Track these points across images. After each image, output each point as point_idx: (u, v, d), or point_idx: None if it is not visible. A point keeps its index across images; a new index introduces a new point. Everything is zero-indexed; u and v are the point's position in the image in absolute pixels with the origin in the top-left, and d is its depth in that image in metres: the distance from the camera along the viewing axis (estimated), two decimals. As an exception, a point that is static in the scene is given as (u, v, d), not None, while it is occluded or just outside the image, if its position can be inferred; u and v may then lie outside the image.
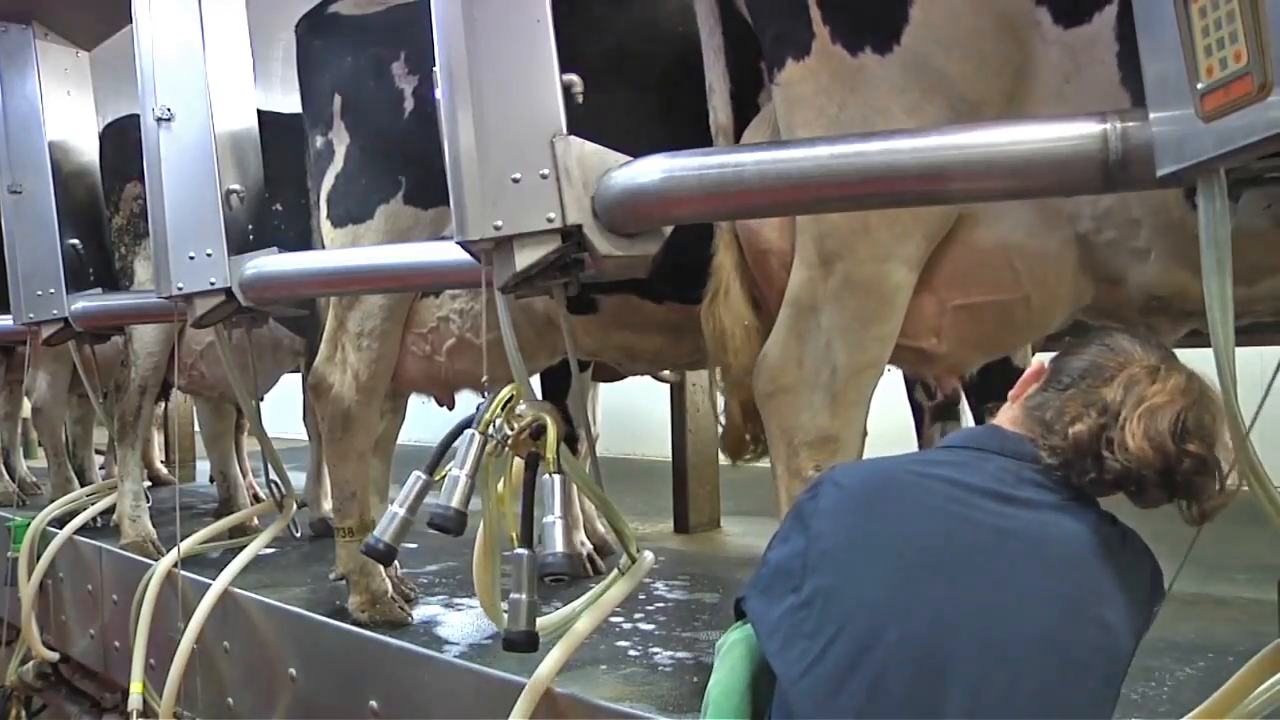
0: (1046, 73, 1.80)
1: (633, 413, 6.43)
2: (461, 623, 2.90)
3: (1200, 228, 1.34)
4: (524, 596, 2.03)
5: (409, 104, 2.88)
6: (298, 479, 4.05)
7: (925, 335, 2.02)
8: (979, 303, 1.99)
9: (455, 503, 2.05)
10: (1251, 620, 2.59)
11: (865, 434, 2.13)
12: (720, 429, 2.31)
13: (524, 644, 2.04)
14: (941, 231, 1.93)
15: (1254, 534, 1.77)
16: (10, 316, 4.23)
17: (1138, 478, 1.29)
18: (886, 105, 1.86)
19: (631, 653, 2.58)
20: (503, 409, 2.12)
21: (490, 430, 2.10)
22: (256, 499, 5.09)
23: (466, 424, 2.12)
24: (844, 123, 1.89)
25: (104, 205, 4.39)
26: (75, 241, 4.10)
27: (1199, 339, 1.48)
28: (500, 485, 2.15)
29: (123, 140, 4.25)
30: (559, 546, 1.98)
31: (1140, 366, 1.36)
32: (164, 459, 7.09)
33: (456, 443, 2.10)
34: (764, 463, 2.02)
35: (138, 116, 4.06)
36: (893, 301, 1.95)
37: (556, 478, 2.04)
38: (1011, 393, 1.47)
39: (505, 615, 2.07)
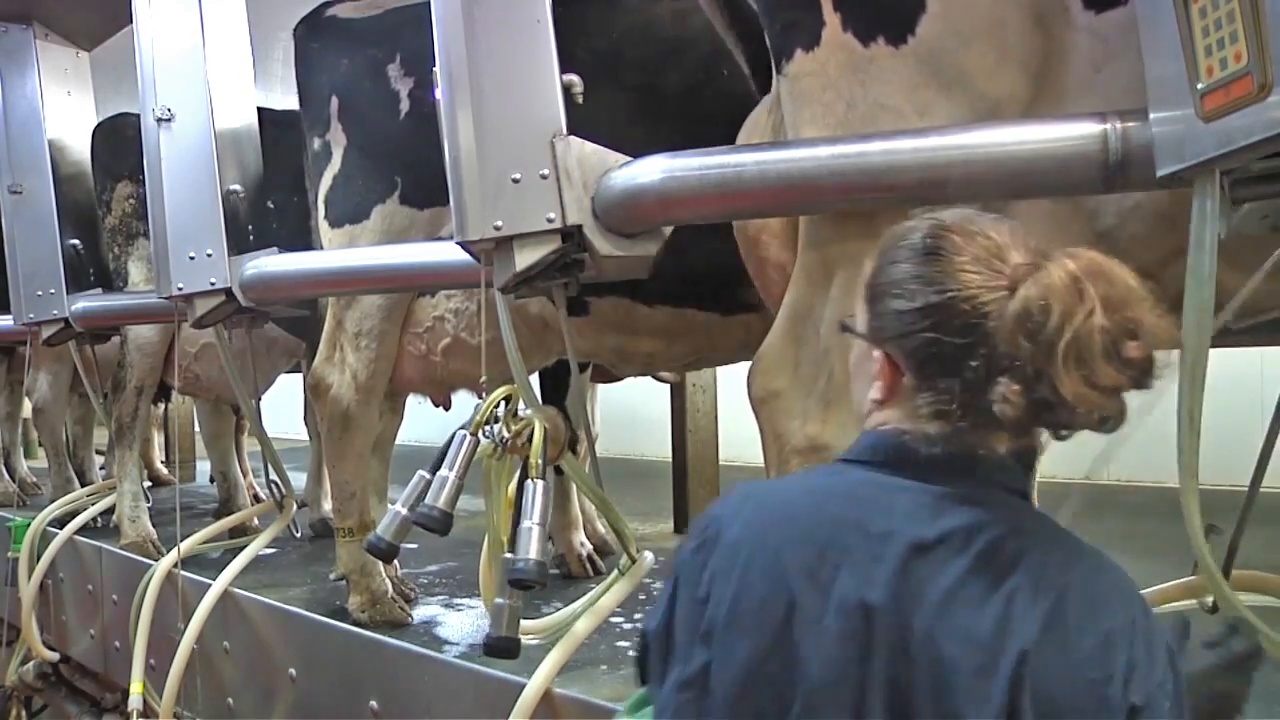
0: (1075, 62, 1.70)
1: (633, 413, 6.42)
2: (461, 623, 2.90)
3: (1191, 229, 1.34)
4: (506, 602, 2.04)
5: (404, 105, 2.88)
6: (298, 479, 4.05)
7: None
8: None
9: (441, 503, 2.06)
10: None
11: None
12: None
13: (504, 650, 2.04)
14: None
15: (1254, 534, 1.77)
16: (10, 316, 4.23)
17: (1088, 424, 1.06)
18: (898, 104, 1.74)
19: (631, 653, 2.57)
20: (500, 412, 2.13)
21: (484, 432, 2.11)
22: (256, 499, 5.08)
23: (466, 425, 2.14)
24: (852, 121, 1.79)
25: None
26: (75, 241, 4.10)
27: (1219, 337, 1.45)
28: (503, 487, 2.16)
29: (113, 139, 4.25)
30: (531, 553, 1.98)
31: (1008, 285, 1.06)
32: (164, 459, 7.09)
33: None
34: (763, 463, 2.00)
35: (128, 115, 4.08)
36: None
37: (538, 483, 2.04)
38: (875, 397, 1.18)
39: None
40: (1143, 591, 1.94)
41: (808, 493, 1.15)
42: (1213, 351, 1.37)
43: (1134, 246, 1.76)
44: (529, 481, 2.05)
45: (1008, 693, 0.97)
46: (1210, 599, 1.81)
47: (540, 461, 2.06)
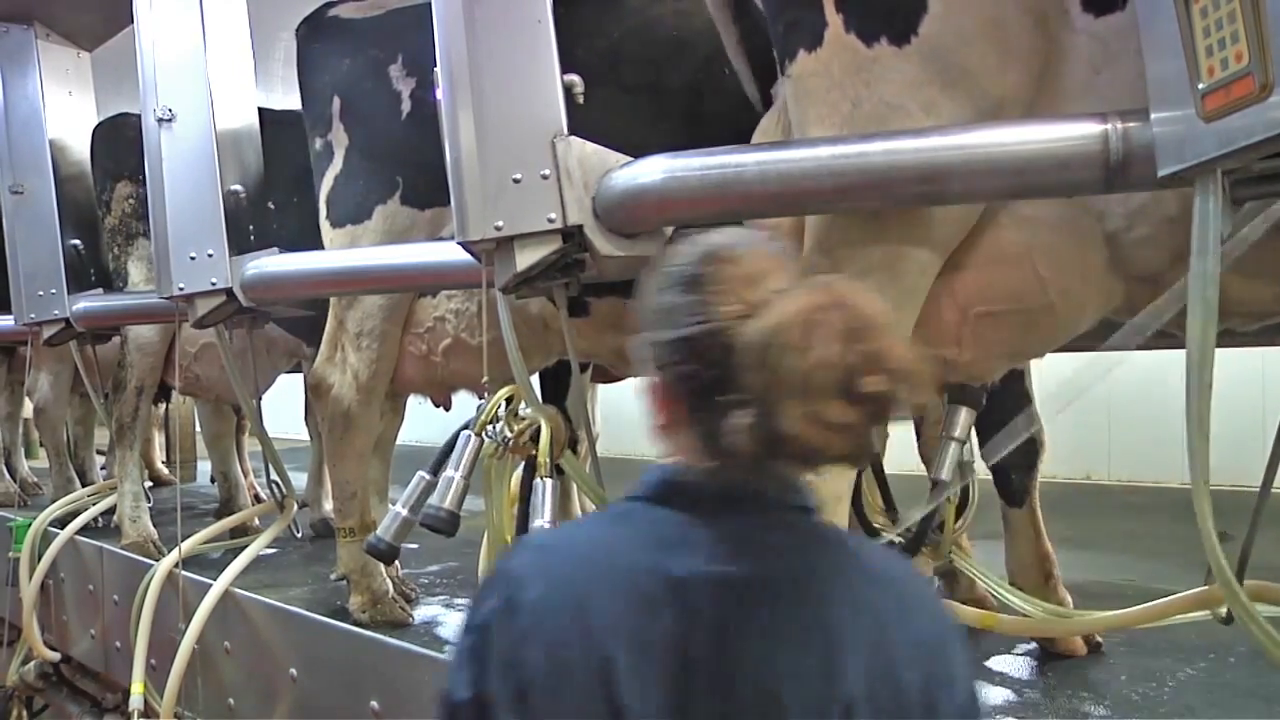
0: (1075, 65, 1.72)
1: (634, 413, 6.42)
2: (461, 623, 2.90)
3: (1193, 229, 1.33)
4: None
5: (406, 106, 2.89)
6: (298, 479, 4.05)
7: (945, 343, 1.94)
8: (1002, 310, 1.90)
9: (448, 503, 2.07)
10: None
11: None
12: None
13: None
14: (959, 235, 1.86)
15: (1261, 536, 1.77)
16: (11, 316, 4.23)
17: (827, 459, 1.03)
18: (902, 101, 1.77)
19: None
20: (501, 411, 2.13)
21: (488, 432, 2.12)
22: (257, 499, 5.09)
23: (468, 425, 2.14)
24: (858, 120, 1.81)
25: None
26: (77, 242, 4.10)
27: (1226, 339, 1.45)
28: (505, 487, 2.16)
29: (113, 139, 4.25)
30: None
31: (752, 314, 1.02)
32: (165, 459, 7.08)
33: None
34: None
35: (128, 115, 4.07)
36: (904, 306, 1.86)
37: (548, 482, 2.05)
38: (657, 424, 1.16)
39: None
40: (1156, 602, 1.94)
41: (604, 541, 1.11)
42: (1216, 354, 1.37)
43: (1141, 249, 1.77)
44: (538, 480, 2.06)
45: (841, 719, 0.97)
46: (1224, 610, 1.81)
47: (549, 460, 2.07)
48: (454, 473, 2.10)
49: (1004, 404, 2.51)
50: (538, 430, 2.12)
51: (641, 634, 1.01)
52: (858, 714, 0.97)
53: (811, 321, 0.99)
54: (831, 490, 1.91)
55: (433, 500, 2.08)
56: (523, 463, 2.17)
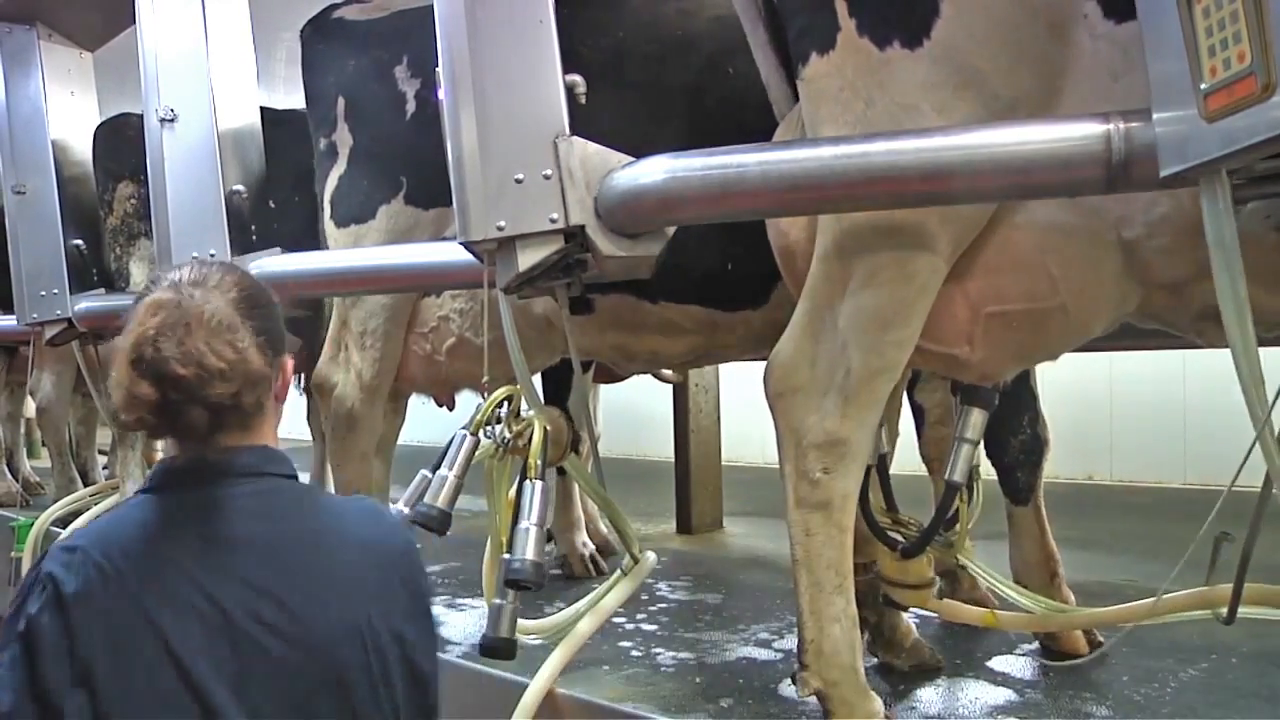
0: (1094, 69, 1.72)
1: (635, 413, 6.43)
2: (463, 623, 2.90)
3: (1206, 229, 1.33)
4: (503, 602, 2.03)
5: (410, 106, 2.89)
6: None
7: (957, 342, 1.94)
8: (1013, 310, 1.90)
9: (440, 502, 2.07)
10: (1254, 622, 2.57)
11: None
12: None
13: (500, 651, 2.04)
14: (971, 233, 1.86)
15: (1262, 537, 1.76)
16: (14, 316, 4.24)
17: (132, 427, 1.23)
18: (915, 102, 1.79)
19: (634, 653, 2.58)
20: (502, 411, 2.13)
21: (485, 433, 2.12)
22: (259, 499, 5.08)
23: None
24: (871, 120, 1.82)
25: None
26: (79, 242, 4.11)
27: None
28: (505, 488, 2.16)
29: (114, 139, 4.25)
30: (528, 554, 1.98)
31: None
32: (167, 459, 7.08)
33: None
34: (766, 463, 2.00)
35: (129, 115, 4.08)
36: (914, 305, 1.87)
37: (537, 484, 2.05)
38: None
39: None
40: (1158, 597, 1.94)
41: (124, 526, 1.22)
42: (1217, 354, 1.36)
43: (1162, 258, 1.76)
44: (527, 482, 2.05)
45: (320, 650, 1.15)
46: (1224, 609, 1.82)
47: (539, 462, 2.06)
48: (448, 471, 2.10)
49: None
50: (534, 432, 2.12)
51: (187, 608, 1.14)
52: (316, 642, 1.15)
53: (148, 311, 1.19)
54: (839, 489, 1.92)
55: (425, 498, 2.08)
56: (523, 464, 2.17)
